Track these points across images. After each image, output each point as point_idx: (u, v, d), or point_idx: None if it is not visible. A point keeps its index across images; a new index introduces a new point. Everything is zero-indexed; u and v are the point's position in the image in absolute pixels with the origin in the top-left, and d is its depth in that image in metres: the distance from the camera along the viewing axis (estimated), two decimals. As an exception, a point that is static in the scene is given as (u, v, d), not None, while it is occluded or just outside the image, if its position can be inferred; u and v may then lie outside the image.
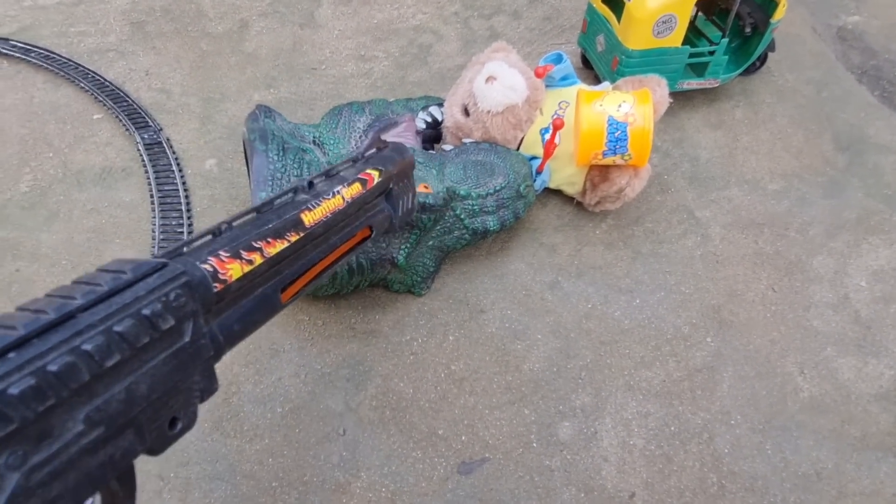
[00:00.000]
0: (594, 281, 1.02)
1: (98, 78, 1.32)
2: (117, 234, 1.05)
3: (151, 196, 1.09)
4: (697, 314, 0.98)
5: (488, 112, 0.99)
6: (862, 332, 0.97)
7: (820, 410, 0.88)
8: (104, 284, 0.32)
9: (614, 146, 0.96)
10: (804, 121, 1.29)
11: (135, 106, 1.26)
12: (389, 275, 0.94)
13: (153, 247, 1.02)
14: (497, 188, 0.95)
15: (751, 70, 1.33)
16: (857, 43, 1.57)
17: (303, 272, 0.50)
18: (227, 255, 0.40)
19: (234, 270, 0.40)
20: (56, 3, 1.53)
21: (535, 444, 0.84)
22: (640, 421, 0.87)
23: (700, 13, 1.30)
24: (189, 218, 1.06)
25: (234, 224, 0.44)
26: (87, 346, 0.29)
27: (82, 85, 1.30)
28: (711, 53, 1.21)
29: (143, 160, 1.15)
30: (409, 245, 0.90)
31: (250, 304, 0.44)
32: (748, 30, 1.25)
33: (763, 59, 1.33)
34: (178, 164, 1.15)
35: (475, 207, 0.94)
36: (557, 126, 1.01)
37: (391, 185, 0.65)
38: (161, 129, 1.22)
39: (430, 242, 0.94)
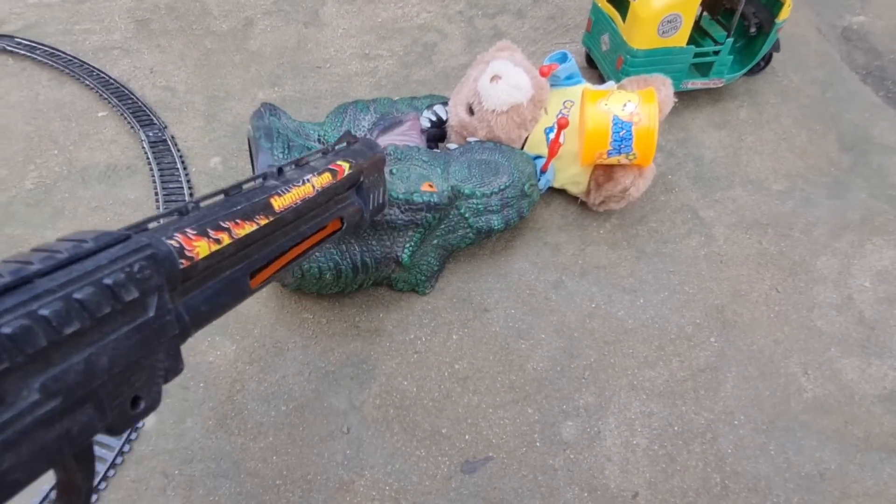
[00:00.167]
0: (598, 280, 1.02)
1: (103, 75, 1.32)
2: (122, 232, 1.06)
3: (156, 194, 1.10)
4: (701, 314, 0.98)
5: (493, 111, 0.99)
6: (866, 332, 0.97)
7: (823, 411, 0.88)
8: (64, 252, 0.31)
9: (619, 145, 0.96)
10: (808, 121, 1.29)
11: (139, 103, 1.26)
12: (394, 273, 0.94)
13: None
14: (501, 187, 0.95)
15: (755, 70, 1.33)
16: (862, 43, 1.57)
17: (272, 258, 0.50)
18: (195, 232, 0.39)
19: (200, 248, 0.39)
20: (61, 1, 1.53)
21: (538, 444, 0.84)
22: (644, 421, 0.87)
23: (705, 13, 1.30)
24: (193, 216, 1.06)
25: (202, 205, 0.43)
26: (45, 311, 0.28)
27: (87, 82, 1.30)
28: (716, 53, 1.21)
29: (147, 158, 1.15)
30: (413, 244, 0.90)
31: (218, 286, 0.43)
32: (753, 30, 1.25)
33: (768, 59, 1.33)
34: (182, 162, 1.15)
35: (480, 206, 0.94)
36: (562, 125, 1.01)
37: (362, 179, 0.65)
38: (166, 127, 1.23)
39: (435, 241, 0.95)
